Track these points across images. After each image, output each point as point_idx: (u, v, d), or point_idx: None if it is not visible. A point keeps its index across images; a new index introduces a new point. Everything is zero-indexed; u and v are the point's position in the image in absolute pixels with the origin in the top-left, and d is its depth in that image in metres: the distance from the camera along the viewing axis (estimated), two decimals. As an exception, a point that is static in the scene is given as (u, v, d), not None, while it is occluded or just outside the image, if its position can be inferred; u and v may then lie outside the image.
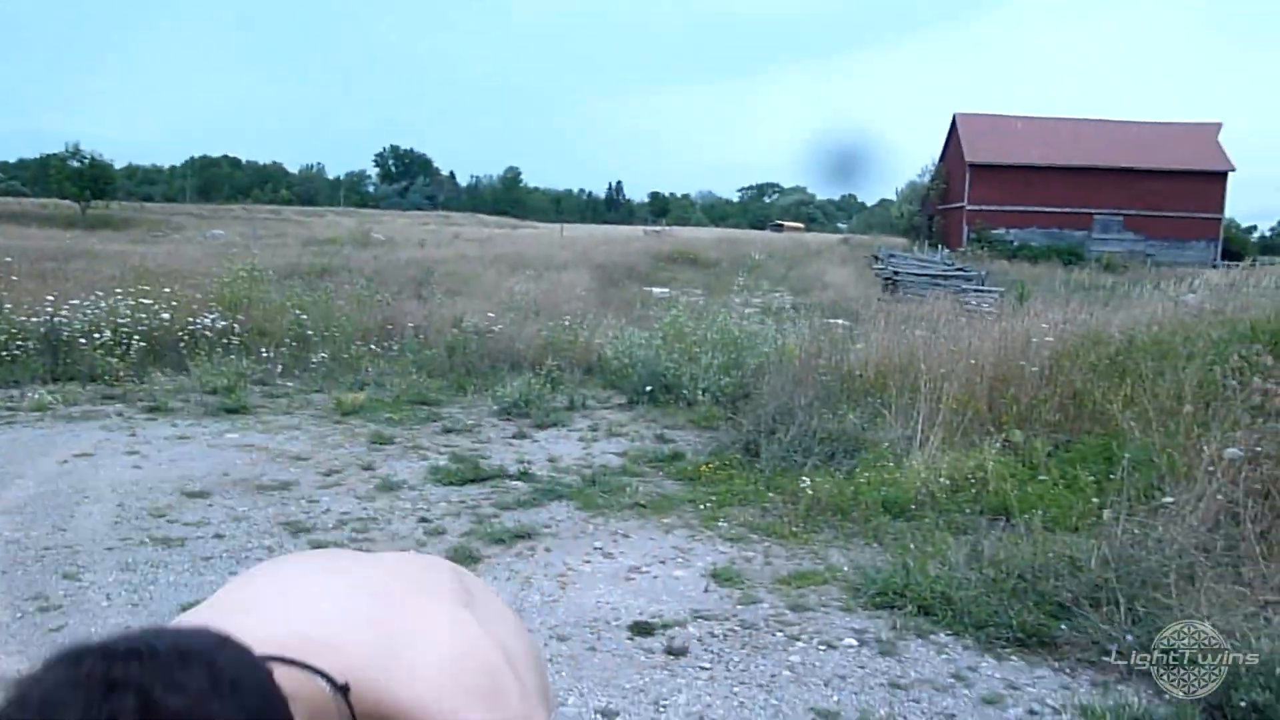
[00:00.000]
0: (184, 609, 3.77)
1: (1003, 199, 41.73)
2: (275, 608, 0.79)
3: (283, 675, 0.64)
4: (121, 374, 9.60)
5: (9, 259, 14.57)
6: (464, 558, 5.01)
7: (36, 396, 8.70)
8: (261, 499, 6.01)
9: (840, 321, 12.76)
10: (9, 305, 10.38)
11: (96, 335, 9.98)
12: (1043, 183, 41.58)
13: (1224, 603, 4.22)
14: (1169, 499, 5.11)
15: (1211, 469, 5.12)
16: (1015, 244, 39.99)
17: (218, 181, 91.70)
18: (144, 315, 10.53)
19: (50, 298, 10.59)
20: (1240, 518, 4.86)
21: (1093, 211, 41.96)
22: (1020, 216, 41.71)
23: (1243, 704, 3.56)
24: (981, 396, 7.29)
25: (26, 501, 5.81)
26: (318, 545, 5.18)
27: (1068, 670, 4.01)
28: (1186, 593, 4.32)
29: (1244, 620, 4.04)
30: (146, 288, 11.39)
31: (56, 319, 10.09)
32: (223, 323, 10.90)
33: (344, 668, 0.70)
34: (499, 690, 0.78)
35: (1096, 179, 41.45)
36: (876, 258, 29.62)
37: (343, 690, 0.68)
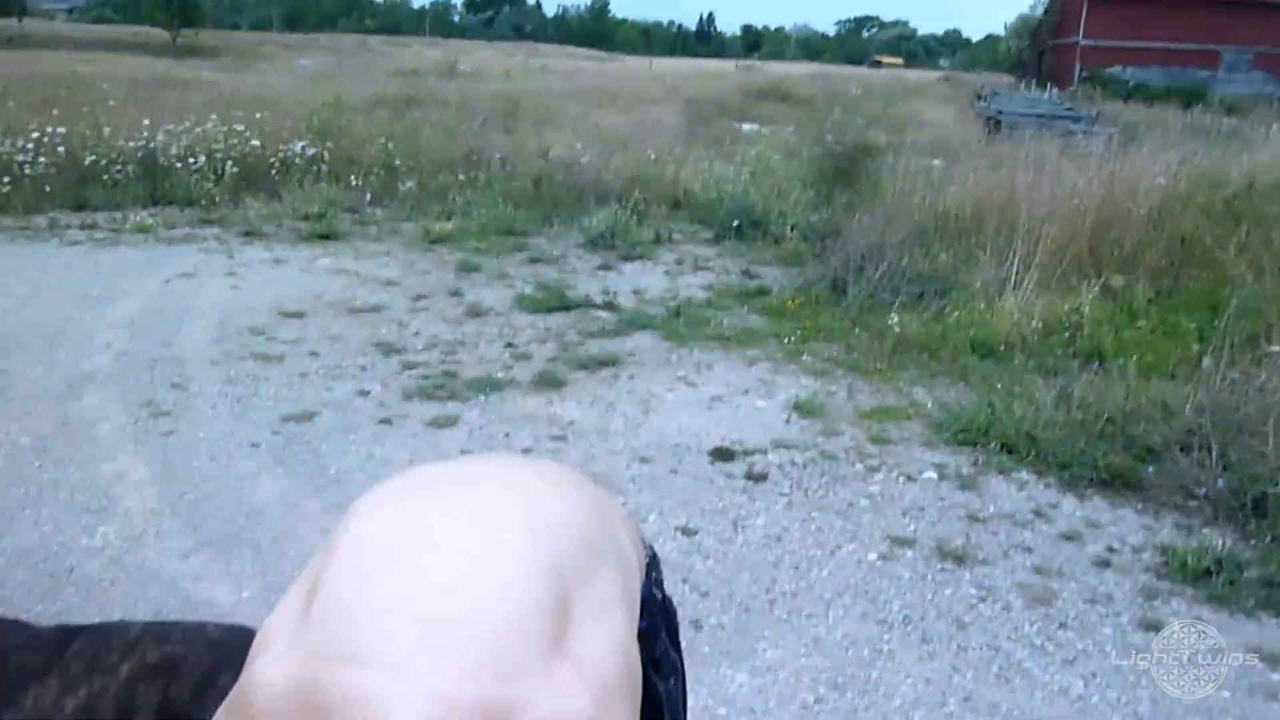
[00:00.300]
0: (284, 420, 3.93)
1: (1120, 34, 38.99)
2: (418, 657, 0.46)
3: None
4: (217, 199, 9.81)
5: (105, 85, 14.79)
6: (549, 382, 5.12)
7: (138, 219, 8.97)
8: (354, 321, 6.18)
9: (937, 161, 12.27)
10: (108, 129, 10.58)
11: (192, 161, 10.16)
12: (1165, 16, 38.61)
13: (1323, 453, 4.09)
14: (1275, 347, 4.92)
15: (1325, 318, 4.89)
16: (1131, 84, 37.56)
17: (303, 10, 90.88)
18: (236, 142, 10.65)
19: (146, 123, 10.76)
20: (1351, 369, 4.66)
21: (1219, 48, 39.00)
22: (1138, 54, 39.02)
23: (1333, 551, 3.50)
24: (1082, 239, 7.00)
25: (135, 317, 6.08)
26: (408, 365, 5.34)
27: (1151, 512, 3.98)
28: (1285, 442, 4.20)
29: (1343, 471, 3.92)
30: (239, 115, 11.48)
31: (153, 144, 10.28)
32: (312, 150, 10.97)
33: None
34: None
35: (1225, 13, 38.29)
36: (979, 96, 28.19)
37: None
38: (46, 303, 6.27)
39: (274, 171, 10.51)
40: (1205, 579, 3.42)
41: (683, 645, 0.45)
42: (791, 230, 8.82)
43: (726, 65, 49.64)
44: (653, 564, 0.42)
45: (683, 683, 0.45)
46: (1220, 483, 3.99)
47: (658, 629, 0.41)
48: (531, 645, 0.29)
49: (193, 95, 15.66)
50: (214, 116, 10.95)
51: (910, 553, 3.59)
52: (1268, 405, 4.40)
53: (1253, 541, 3.69)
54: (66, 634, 1.71)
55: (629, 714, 0.32)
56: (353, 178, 10.66)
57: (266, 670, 0.32)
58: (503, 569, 0.30)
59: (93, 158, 9.94)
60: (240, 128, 10.90)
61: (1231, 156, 10.20)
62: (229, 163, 10.27)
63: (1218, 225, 6.95)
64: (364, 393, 4.94)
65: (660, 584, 0.42)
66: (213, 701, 1.38)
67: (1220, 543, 3.60)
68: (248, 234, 8.67)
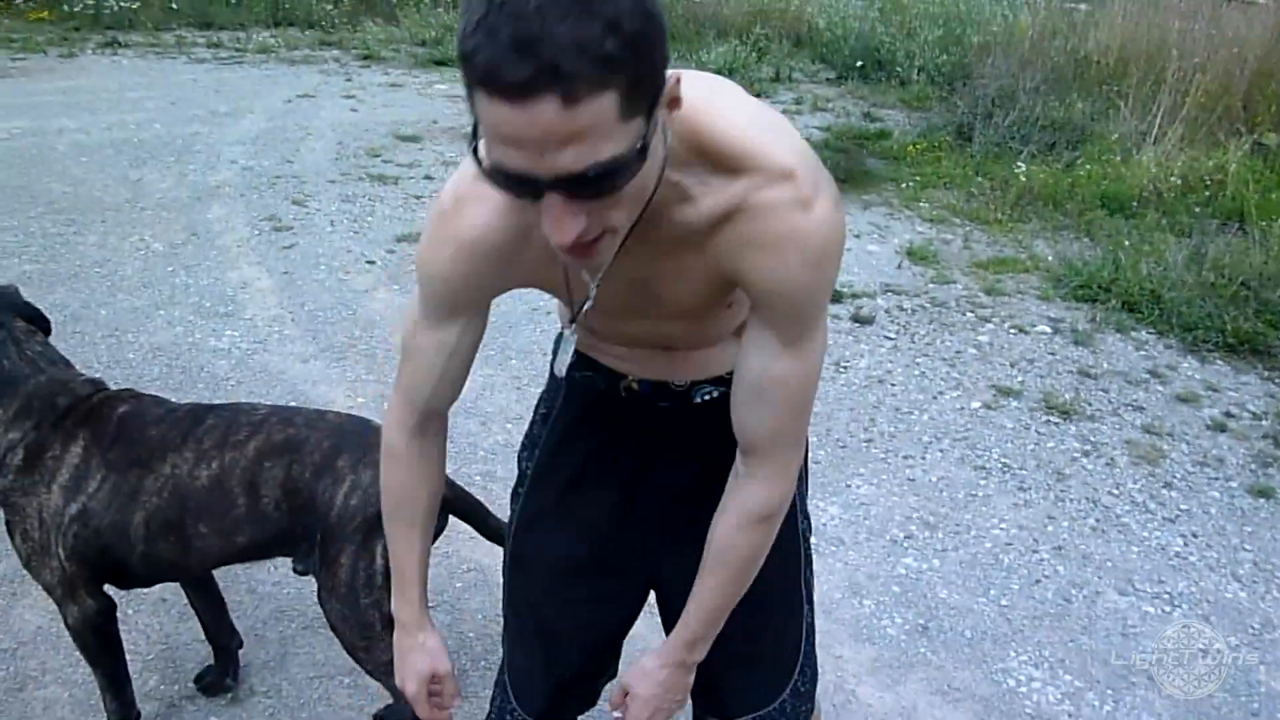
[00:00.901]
0: (398, 239, 4.03)
1: None
2: None
3: None
4: (336, 22, 9.81)
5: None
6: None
7: (261, 39, 9.06)
8: (466, 146, 6.19)
9: (1083, 5, 11.39)
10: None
11: (312, -20, 10.15)
12: None
13: None
14: None
15: None
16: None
17: None
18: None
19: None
20: None
21: None
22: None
23: None
24: (1238, 91, 6.48)
25: (258, 134, 6.21)
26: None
27: (1277, 380, 3.80)
28: None
29: None
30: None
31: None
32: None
33: (687, 97, 0.86)
34: (811, 154, 0.98)
35: None
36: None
37: (676, 78, 0.83)
38: (175, 118, 6.45)
39: (392, -5, 10.42)
40: (1327, 450, 3.29)
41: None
42: (919, 73, 8.40)
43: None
44: None
45: None
46: (1358, 354, 3.78)
47: None
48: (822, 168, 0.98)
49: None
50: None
51: (1015, 403, 3.53)
52: None
53: (1385, 416, 3.51)
54: (200, 411, 1.82)
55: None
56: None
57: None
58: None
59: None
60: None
61: None
62: (348, -16, 10.22)
63: (1395, 81, 6.33)
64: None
65: None
66: (331, 480, 1.48)
67: (1349, 414, 3.44)
68: (366, 57, 8.69)
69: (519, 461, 1.46)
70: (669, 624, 1.32)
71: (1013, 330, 4.08)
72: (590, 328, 1.21)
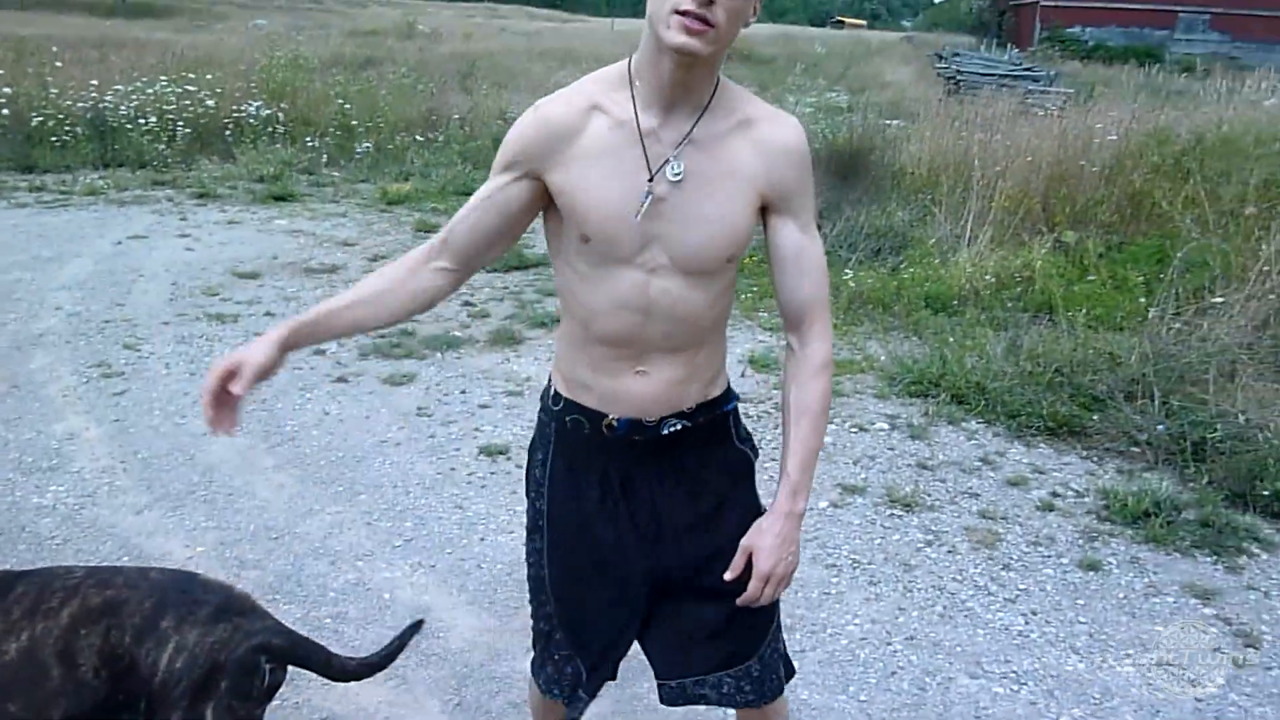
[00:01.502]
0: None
1: (1080, -5, 39.13)
2: None
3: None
4: (169, 161, 9.65)
5: (52, 46, 14.40)
6: (506, 339, 5.12)
7: (88, 181, 8.81)
8: (310, 281, 6.13)
9: (896, 121, 12.30)
10: (55, 90, 10.33)
11: (143, 122, 9.98)
12: (1125, -23, 38.81)
13: (1261, 399, 4.22)
14: (1219, 299, 5.03)
15: (1267, 269, 5.00)
16: (1090, 44, 37.77)
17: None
18: (189, 103, 10.46)
19: (95, 84, 10.53)
20: (1290, 318, 4.78)
21: (1177, 9, 39.27)
22: (1098, 13, 39.17)
23: (1266, 493, 3.62)
24: (1036, 195, 7.08)
25: (86, 278, 5.99)
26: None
27: (1095, 459, 4.08)
28: (1224, 389, 4.31)
29: (1279, 416, 4.03)
30: (191, 76, 11.26)
31: (102, 105, 10.07)
32: (267, 111, 10.80)
33: None
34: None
35: (1183, -28, 38.58)
36: (940, 56, 28.21)
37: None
38: (-6, 265, 6.17)
39: (228, 133, 10.35)
40: (1144, 521, 3.52)
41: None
42: (750, 188, 8.83)
43: (689, 26, 49.11)
44: None
45: None
46: (1161, 428, 4.10)
47: None
48: None
49: (143, 55, 15.30)
50: (161, 78, 10.71)
51: (861, 500, 3.66)
52: (1209, 354, 4.51)
53: (1191, 484, 3.80)
54: (8, 579, 1.71)
55: None
56: (308, 139, 10.52)
57: None
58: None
59: (40, 119, 9.73)
60: (193, 88, 10.70)
61: (1183, 114, 10.32)
62: (181, 124, 10.09)
63: (1166, 181, 7.05)
64: (320, 352, 4.92)
65: None
66: (154, 642, 1.43)
67: (1160, 486, 3.70)
68: (201, 195, 8.55)
69: (529, 499, 1.71)
70: (660, 607, 1.64)
71: (854, 429, 4.26)
72: (604, 336, 1.50)
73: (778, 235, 1.48)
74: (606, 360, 1.52)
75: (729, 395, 1.65)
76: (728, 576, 1.53)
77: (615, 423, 1.54)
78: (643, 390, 1.52)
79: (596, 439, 1.56)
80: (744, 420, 1.73)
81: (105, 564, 2.92)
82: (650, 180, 1.41)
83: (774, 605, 1.65)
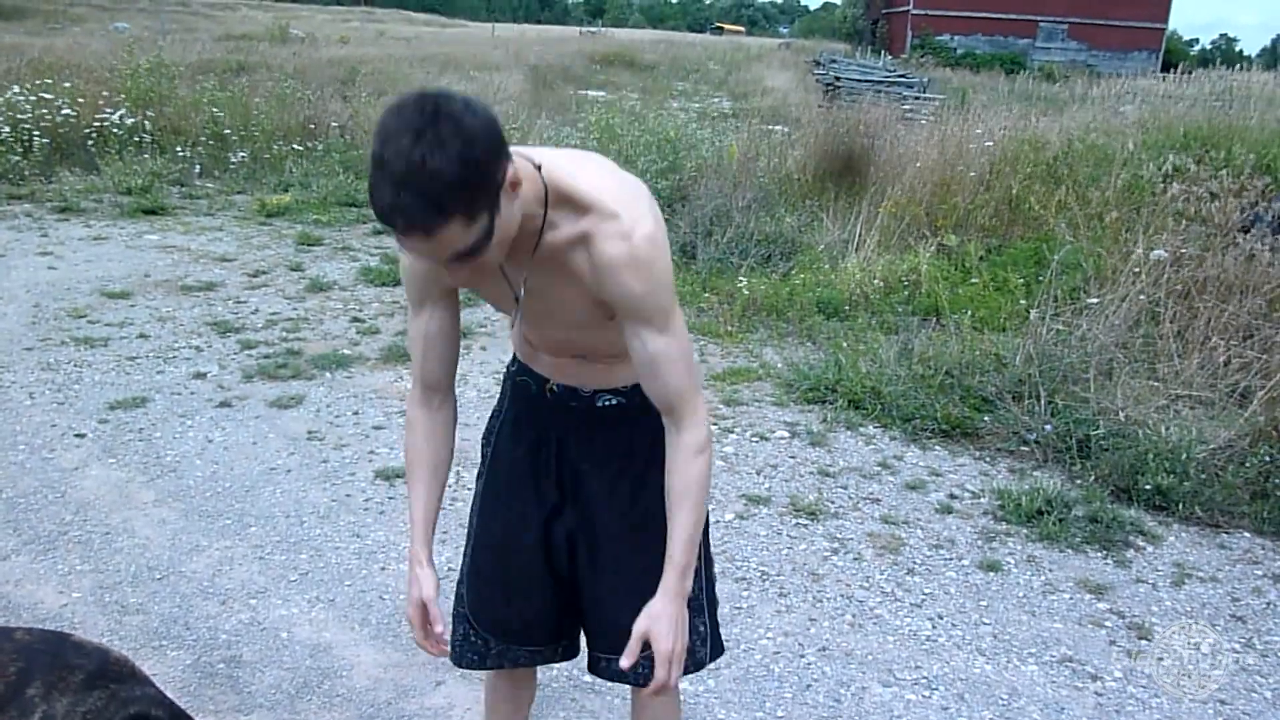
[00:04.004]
0: (111, 407, 3.69)
1: (948, 4, 40.63)
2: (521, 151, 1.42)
3: (515, 155, 1.34)
4: (26, 173, 9.07)
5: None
6: (398, 356, 4.97)
7: (-64, 195, 8.22)
8: (186, 300, 5.84)
9: (780, 127, 12.51)
10: (-104, 98, 9.62)
11: (-5, 131, 9.37)
12: (989, -13, 40.49)
13: (1138, 396, 4.39)
14: (1094, 300, 5.23)
15: (1136, 270, 5.23)
16: (959, 51, 39.27)
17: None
18: (46, 111, 9.83)
19: (-59, 90, 9.85)
20: (1160, 317, 5.01)
21: (1037, 19, 41.17)
22: (965, 23, 40.78)
23: (1148, 487, 3.77)
24: (921, 201, 7.28)
25: (-65, 302, 5.57)
26: (247, 345, 5.10)
27: (988, 459, 4.19)
28: (1104, 387, 4.48)
29: (1155, 412, 4.21)
30: (47, 82, 10.63)
31: (-50, 113, 9.41)
32: (132, 120, 10.26)
33: (547, 163, 1.43)
34: (636, 199, 1.46)
35: (1042, -16, 40.48)
36: (818, 63, 28.89)
37: (538, 167, 1.41)
38: None
39: (90, 143, 9.79)
40: (1038, 519, 3.63)
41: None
42: (640, 197, 8.83)
43: (570, 32, 49.18)
44: None
45: None
46: (1049, 428, 4.24)
47: None
48: (648, 205, 1.47)
49: (-7, 60, 14.43)
50: (13, 87, 10.07)
51: (765, 510, 3.66)
52: (1088, 353, 4.69)
53: (1078, 481, 3.94)
54: None
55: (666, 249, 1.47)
56: (179, 149, 10.05)
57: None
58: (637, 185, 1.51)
59: (-123, 130, 9.03)
60: (49, 96, 10.10)
61: (1053, 120, 10.78)
62: (37, 133, 9.51)
63: (1040, 186, 7.34)
64: (200, 375, 4.69)
65: None
66: (18, 712, 1.26)
67: (1050, 484, 3.83)
68: (63, 210, 8.06)
69: (481, 448, 1.88)
70: (581, 559, 1.75)
71: (755, 438, 4.27)
72: (527, 338, 1.72)
73: (630, 340, 1.51)
74: (544, 353, 1.72)
75: None
76: (624, 664, 1.55)
77: (555, 388, 1.71)
78: (578, 370, 1.69)
79: (540, 400, 1.73)
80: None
81: (-32, 618, 2.71)
82: (516, 299, 1.58)
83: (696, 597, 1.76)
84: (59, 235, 7.24)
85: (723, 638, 1.90)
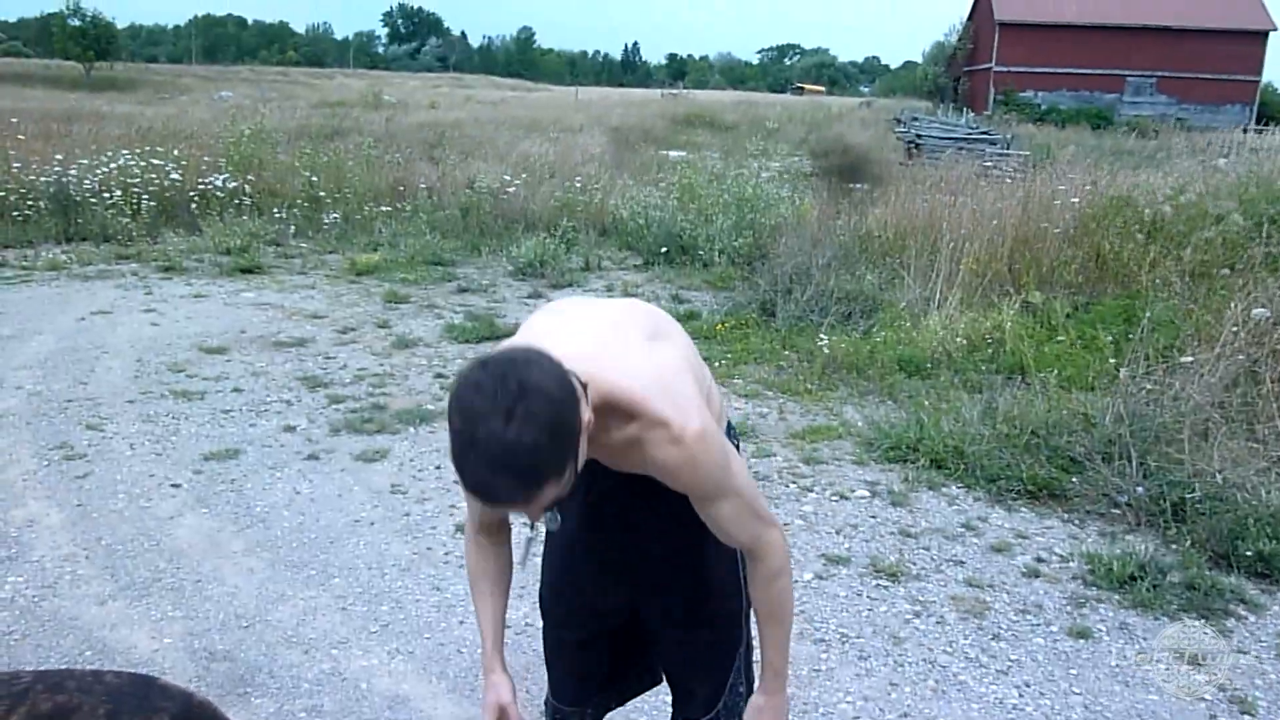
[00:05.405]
0: (206, 458, 3.82)
1: (1031, 60, 40.33)
2: (554, 340, 1.44)
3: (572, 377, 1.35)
4: (134, 234, 9.56)
5: (14, 119, 14.36)
6: (480, 412, 5.05)
7: (51, 256, 8.70)
8: (279, 355, 6.05)
9: (860, 185, 12.50)
10: (17, 165, 10.25)
11: (107, 195, 9.90)
12: (1074, 43, 40.08)
13: (1236, 458, 4.23)
14: (1188, 358, 5.07)
15: (1235, 329, 5.06)
16: (1043, 107, 38.83)
17: (223, 41, 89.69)
18: (154, 176, 10.40)
19: (59, 157, 10.46)
20: (1260, 377, 4.83)
21: (1125, 73, 40.57)
22: (1049, 78, 40.41)
23: (1249, 553, 3.61)
24: (1002, 258, 7.17)
25: (47, 356, 5.87)
26: (335, 399, 5.24)
27: (1076, 522, 4.06)
28: (1199, 449, 4.32)
29: (1255, 475, 4.05)
30: (156, 148, 11.23)
31: (65, 179, 9.98)
32: (233, 184, 10.76)
33: (588, 372, 1.41)
34: (678, 391, 1.50)
35: (1130, 39, 39.91)
36: (899, 121, 28.84)
37: (584, 385, 1.38)
38: (-48, 344, 6.03)
39: (193, 205, 10.29)
40: (1130, 585, 3.49)
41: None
42: (720, 255, 8.90)
43: (652, 94, 50.11)
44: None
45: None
46: (1140, 490, 4.10)
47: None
48: (691, 391, 1.52)
49: (108, 129, 15.29)
50: (124, 152, 10.65)
51: (845, 571, 3.60)
52: (1182, 413, 4.53)
53: (1173, 546, 3.79)
54: (-49, 688, 1.55)
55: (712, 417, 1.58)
56: (275, 210, 10.49)
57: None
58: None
59: (1, 194, 9.62)
60: (158, 161, 10.66)
61: (1139, 176, 10.56)
62: (146, 197, 10.03)
63: (1130, 243, 7.17)
64: (290, 428, 4.83)
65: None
66: None
67: (1143, 548, 3.69)
68: (167, 269, 8.46)
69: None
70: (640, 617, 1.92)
71: (834, 497, 4.22)
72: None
73: (694, 504, 1.60)
74: None
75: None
76: None
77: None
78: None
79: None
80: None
81: (59, 665, 2.80)
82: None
83: (733, 652, 1.92)
84: (162, 293, 7.58)
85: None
